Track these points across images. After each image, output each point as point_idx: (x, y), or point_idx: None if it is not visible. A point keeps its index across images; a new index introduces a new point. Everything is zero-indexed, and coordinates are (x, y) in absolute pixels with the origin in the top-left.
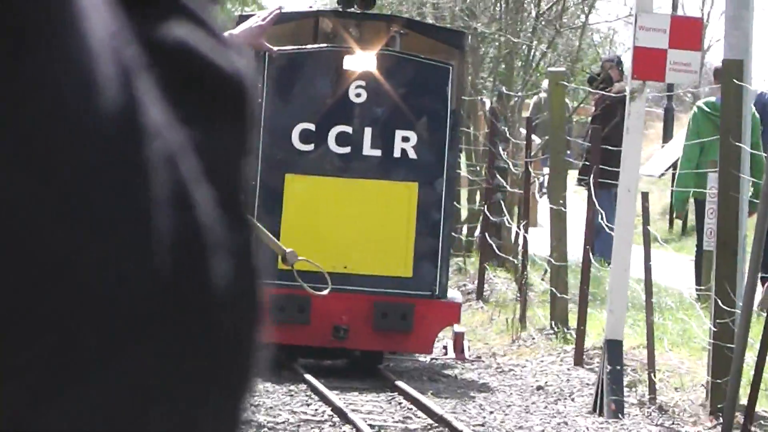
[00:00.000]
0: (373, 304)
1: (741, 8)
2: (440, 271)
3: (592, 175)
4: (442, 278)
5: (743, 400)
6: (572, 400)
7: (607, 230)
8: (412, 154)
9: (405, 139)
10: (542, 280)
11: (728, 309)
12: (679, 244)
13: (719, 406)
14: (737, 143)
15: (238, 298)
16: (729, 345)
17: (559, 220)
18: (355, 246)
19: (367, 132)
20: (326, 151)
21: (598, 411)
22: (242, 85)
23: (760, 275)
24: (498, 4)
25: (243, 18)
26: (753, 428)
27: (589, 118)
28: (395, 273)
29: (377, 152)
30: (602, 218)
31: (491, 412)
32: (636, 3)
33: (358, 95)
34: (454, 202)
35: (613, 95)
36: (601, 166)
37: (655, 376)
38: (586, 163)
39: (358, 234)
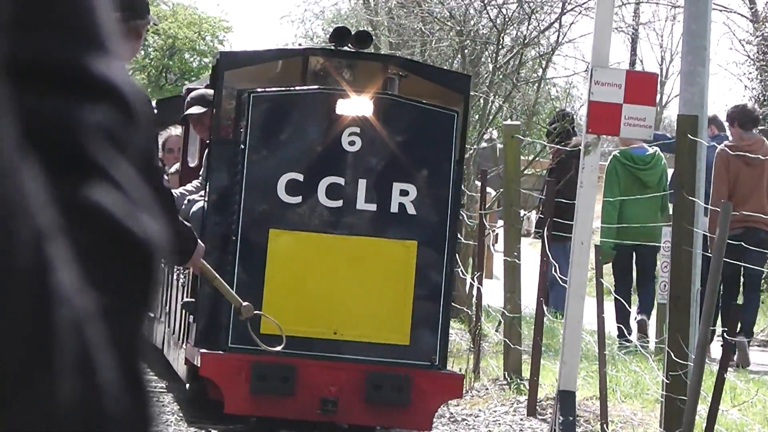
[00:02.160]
0: (365, 375)
1: (696, 65)
2: (440, 339)
3: (545, 228)
4: (443, 347)
5: None
6: None
7: (561, 282)
8: (411, 210)
9: (403, 193)
10: (496, 331)
11: (681, 362)
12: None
13: None
14: (691, 197)
15: None
16: (682, 397)
17: (512, 272)
18: (347, 310)
19: (362, 184)
20: (315, 205)
21: None
22: (150, 250)
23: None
24: (455, 57)
25: (189, 91)
26: None
27: (545, 171)
28: (391, 340)
29: (372, 206)
30: (556, 270)
31: None
32: (592, 57)
33: (351, 143)
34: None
35: (568, 149)
36: (555, 219)
37: (608, 427)
38: (541, 215)
39: (349, 296)
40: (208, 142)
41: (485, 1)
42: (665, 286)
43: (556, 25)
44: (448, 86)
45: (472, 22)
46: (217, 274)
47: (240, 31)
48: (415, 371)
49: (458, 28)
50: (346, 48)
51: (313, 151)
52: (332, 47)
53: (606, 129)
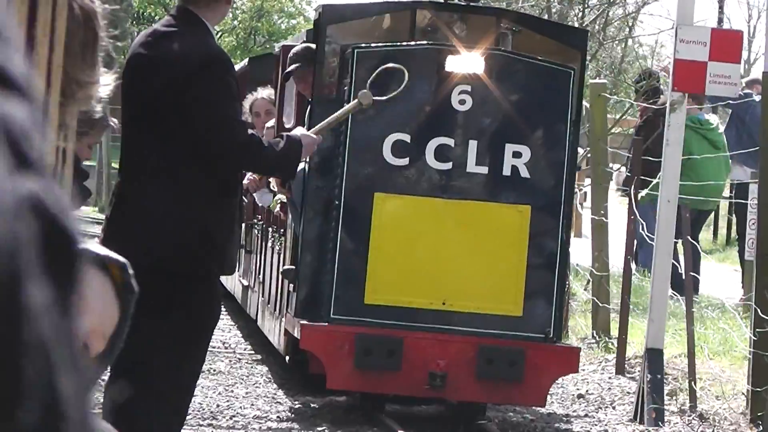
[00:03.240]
0: (476, 348)
1: None
2: (555, 311)
3: (632, 186)
4: (558, 319)
5: None
6: (613, 408)
7: (649, 240)
8: (524, 173)
9: (516, 155)
10: (584, 290)
11: None
12: (722, 255)
13: (759, 414)
14: None
15: None
16: None
17: (600, 231)
18: (456, 279)
19: (472, 145)
20: (423, 167)
21: (638, 419)
22: (77, 248)
23: None
24: (543, 15)
25: (285, 49)
26: None
27: (632, 130)
28: (503, 311)
29: (483, 169)
30: (643, 228)
31: (532, 420)
32: (677, 16)
33: (462, 102)
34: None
35: (655, 107)
36: (642, 177)
37: (695, 384)
38: (629, 173)
39: (459, 265)
40: (310, 100)
41: None
42: (752, 243)
43: None
44: (564, 42)
45: None
46: (327, 120)
47: None
48: (529, 344)
49: (495, 4)
50: (456, 1)
51: (421, 110)
52: (441, 0)
53: (691, 87)
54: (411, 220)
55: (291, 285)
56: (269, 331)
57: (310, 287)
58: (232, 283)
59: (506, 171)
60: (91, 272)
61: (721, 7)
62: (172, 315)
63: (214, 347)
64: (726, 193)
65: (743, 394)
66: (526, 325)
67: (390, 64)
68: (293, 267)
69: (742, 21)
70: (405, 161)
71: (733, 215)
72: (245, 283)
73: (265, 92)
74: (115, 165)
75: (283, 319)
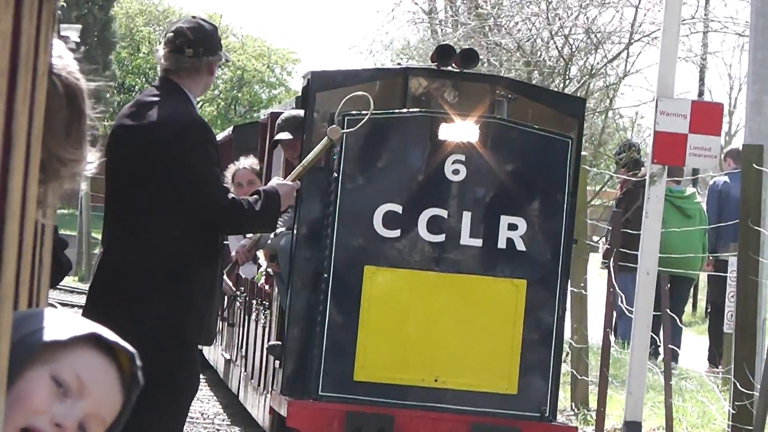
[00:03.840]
0: (469, 427)
1: (763, 94)
2: (551, 388)
3: (611, 258)
4: (554, 396)
5: None
6: None
7: (628, 313)
8: (520, 246)
9: (512, 227)
10: (563, 362)
11: (747, 392)
12: (701, 327)
13: None
14: (756, 227)
15: None
16: (748, 427)
17: (580, 303)
18: (449, 355)
19: (466, 217)
20: (416, 239)
21: None
22: None
23: None
24: None
25: (274, 116)
26: None
27: (612, 202)
28: (497, 389)
29: (478, 242)
30: (622, 301)
31: None
32: (657, 88)
33: (455, 172)
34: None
35: (635, 179)
36: (622, 249)
37: None
38: (608, 246)
39: (452, 340)
40: None
41: (552, 32)
42: (731, 315)
43: (624, 55)
44: (561, 110)
45: (539, 53)
46: (298, 167)
47: (308, 62)
48: (524, 423)
49: (526, 59)
50: (449, 68)
51: (414, 180)
52: (435, 67)
53: (672, 159)
54: (402, 293)
55: (277, 361)
56: (252, 407)
57: (297, 362)
58: (214, 355)
59: (501, 243)
60: (96, 356)
61: (701, 79)
62: (152, 382)
63: (192, 418)
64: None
65: None
66: (521, 403)
67: (354, 93)
68: (279, 343)
69: (724, 93)
70: (396, 233)
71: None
72: (227, 356)
73: (247, 162)
74: (95, 234)
75: (268, 395)
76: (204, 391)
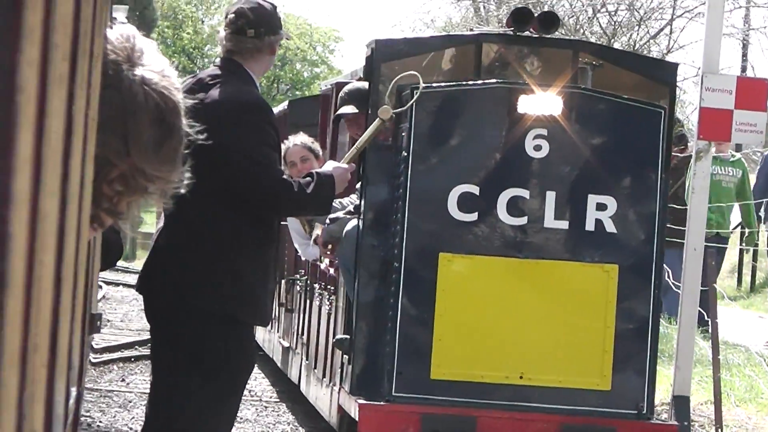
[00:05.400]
0: (560, 428)
1: None
2: (648, 383)
3: None
4: (651, 392)
5: None
6: None
7: (674, 288)
8: (610, 227)
9: (601, 207)
10: None
11: None
12: (746, 302)
13: None
14: None
15: None
16: None
17: None
18: (535, 349)
19: (550, 197)
20: (494, 223)
21: None
22: None
23: None
24: None
25: (339, 86)
26: None
27: None
28: (589, 385)
29: (563, 224)
30: (669, 276)
31: None
32: (703, 64)
33: (537, 148)
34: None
35: (682, 155)
36: (669, 225)
37: (722, 431)
38: None
39: (537, 333)
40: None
41: (596, 9)
42: None
43: (667, 30)
44: (651, 77)
45: (582, 30)
46: (351, 150)
47: (350, 41)
48: (619, 422)
49: (570, 37)
50: (527, 33)
51: (491, 158)
52: (511, 32)
53: (717, 135)
54: (481, 283)
55: (345, 357)
56: (316, 399)
57: (367, 360)
58: (266, 339)
59: (589, 226)
60: None
61: (744, 55)
62: (207, 362)
63: None
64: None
65: None
66: (615, 400)
67: (403, 73)
68: (347, 336)
69: (766, 68)
70: (473, 216)
71: (758, 262)
72: (285, 344)
73: (298, 139)
74: (141, 215)
75: (335, 391)
76: None
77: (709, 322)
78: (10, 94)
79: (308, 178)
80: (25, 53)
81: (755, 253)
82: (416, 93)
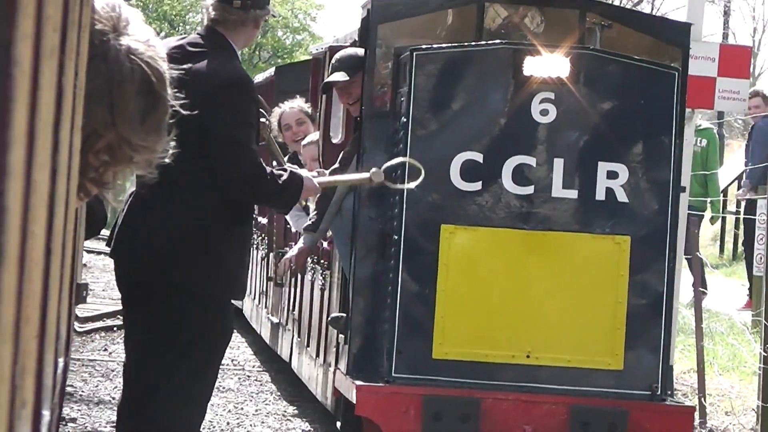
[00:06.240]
0: (569, 410)
1: None
2: (663, 362)
3: None
4: (666, 372)
5: None
6: None
7: None
8: (621, 197)
9: (612, 175)
10: None
11: None
12: (729, 270)
13: None
14: None
15: None
16: None
17: None
18: (542, 326)
19: (558, 165)
20: (499, 192)
21: None
22: None
23: None
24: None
25: (333, 50)
26: None
27: None
28: (599, 365)
29: (572, 193)
30: None
31: None
32: None
33: (544, 113)
34: None
35: None
36: None
37: (705, 400)
38: None
39: (545, 309)
40: (357, 117)
41: None
42: (762, 258)
43: None
44: (663, 38)
45: None
46: (330, 177)
47: (332, 8)
48: (633, 404)
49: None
50: None
51: (496, 123)
52: None
53: (700, 102)
54: (486, 256)
55: (341, 336)
56: (309, 379)
57: (365, 339)
58: (252, 311)
59: (600, 195)
60: None
61: (725, 22)
62: (184, 334)
63: (223, 365)
64: (732, 207)
65: (753, 410)
66: (628, 381)
67: (412, 161)
68: (343, 315)
69: (747, 36)
70: (477, 186)
71: (740, 230)
72: (275, 320)
73: (295, 102)
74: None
75: (329, 369)
76: (234, 337)
77: (693, 291)
78: (7, 69)
79: (281, 171)
80: (20, 27)
81: (737, 221)
82: (415, 56)
